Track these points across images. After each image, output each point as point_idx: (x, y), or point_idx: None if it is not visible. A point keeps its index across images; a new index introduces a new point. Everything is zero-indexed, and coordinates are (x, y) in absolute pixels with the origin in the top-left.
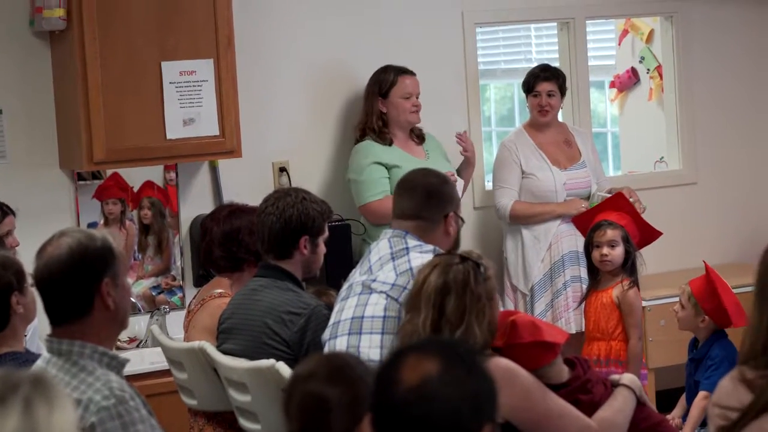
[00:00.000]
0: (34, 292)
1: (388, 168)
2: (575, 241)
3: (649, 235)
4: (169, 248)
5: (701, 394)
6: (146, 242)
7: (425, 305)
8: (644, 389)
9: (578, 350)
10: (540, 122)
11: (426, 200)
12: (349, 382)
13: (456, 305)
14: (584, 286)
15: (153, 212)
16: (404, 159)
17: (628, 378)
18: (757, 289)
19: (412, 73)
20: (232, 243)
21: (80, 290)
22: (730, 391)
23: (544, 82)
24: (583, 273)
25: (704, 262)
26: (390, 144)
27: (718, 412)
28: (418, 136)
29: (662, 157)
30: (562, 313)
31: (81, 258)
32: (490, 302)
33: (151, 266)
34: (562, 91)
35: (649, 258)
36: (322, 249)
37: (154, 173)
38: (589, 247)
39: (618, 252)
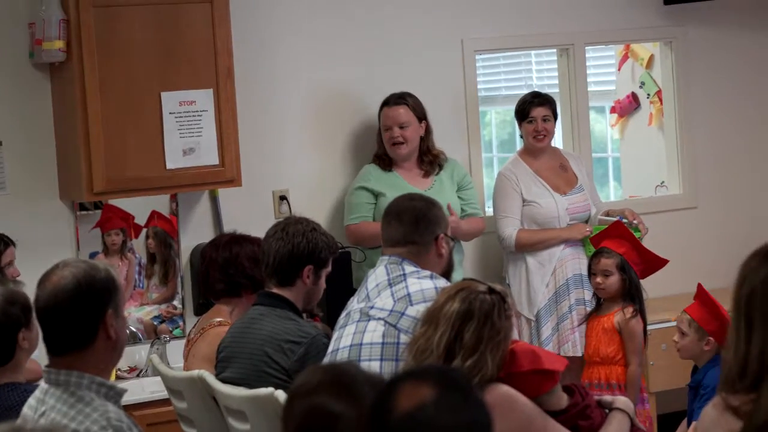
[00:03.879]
0: (38, 326)
1: (375, 194)
2: (579, 264)
3: (653, 262)
4: (175, 278)
5: (694, 424)
6: (152, 270)
7: (444, 323)
8: (645, 413)
9: (580, 374)
10: (536, 148)
11: (415, 225)
12: (356, 397)
13: (475, 333)
14: (588, 309)
15: (156, 242)
16: (397, 187)
17: (622, 401)
18: (736, 308)
19: (396, 103)
20: (230, 267)
21: (85, 320)
22: (715, 419)
23: (538, 107)
24: (587, 296)
25: (699, 284)
26: (390, 170)
27: None
28: (429, 164)
29: (663, 182)
30: (568, 337)
31: (88, 288)
32: (505, 339)
33: (155, 294)
34: (555, 115)
35: (649, 282)
36: (323, 283)
37: (160, 203)
38: (589, 273)
39: (612, 281)
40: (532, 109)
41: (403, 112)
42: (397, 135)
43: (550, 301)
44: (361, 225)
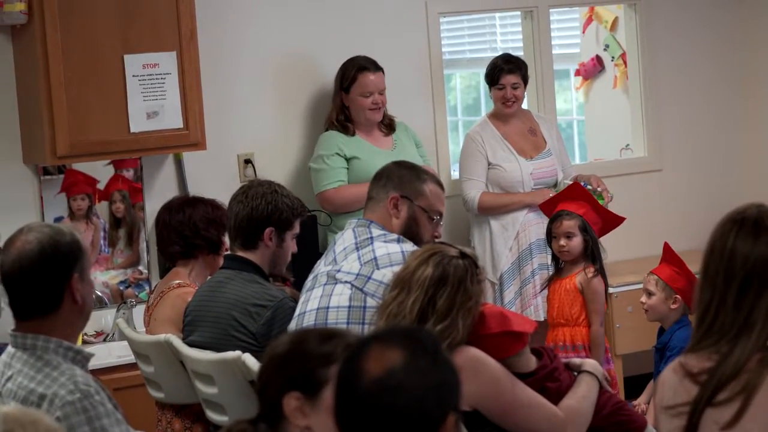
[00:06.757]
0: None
1: (348, 159)
2: (542, 229)
3: (611, 221)
4: (140, 241)
5: (653, 383)
6: (117, 235)
7: (417, 288)
8: (611, 373)
9: (543, 338)
10: (505, 113)
11: (376, 180)
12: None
13: (448, 299)
14: (551, 273)
15: (125, 205)
16: (366, 150)
17: (590, 364)
18: (708, 267)
19: (376, 69)
20: (185, 229)
21: (51, 285)
22: (676, 385)
23: (508, 75)
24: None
25: (666, 243)
26: (353, 135)
27: (673, 413)
28: (387, 126)
29: (628, 145)
30: (531, 301)
31: (52, 253)
32: (476, 305)
33: (121, 259)
34: (525, 80)
35: (615, 245)
36: (290, 245)
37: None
38: (549, 237)
39: (575, 242)
40: (503, 76)
41: (383, 79)
42: (379, 101)
43: (513, 265)
44: (341, 189)
